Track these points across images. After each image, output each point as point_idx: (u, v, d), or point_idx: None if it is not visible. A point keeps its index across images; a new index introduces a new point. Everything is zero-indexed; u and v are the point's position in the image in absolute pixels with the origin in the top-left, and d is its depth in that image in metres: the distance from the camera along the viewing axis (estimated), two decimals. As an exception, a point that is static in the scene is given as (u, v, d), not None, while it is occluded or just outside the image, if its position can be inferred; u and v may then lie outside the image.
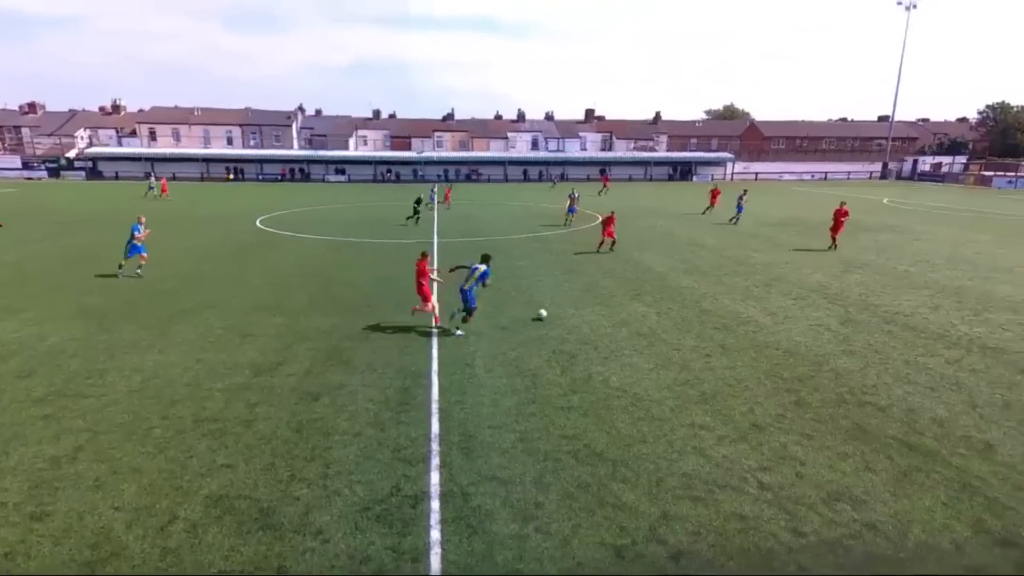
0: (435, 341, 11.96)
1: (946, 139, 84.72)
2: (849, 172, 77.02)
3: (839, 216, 23.23)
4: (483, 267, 12.26)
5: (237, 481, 7.03)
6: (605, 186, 50.81)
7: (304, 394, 9.45)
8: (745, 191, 33.59)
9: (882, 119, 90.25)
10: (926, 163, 75.81)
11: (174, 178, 63.58)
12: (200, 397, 9.27)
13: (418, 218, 30.25)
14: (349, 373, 10.29)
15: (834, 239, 23.11)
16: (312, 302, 14.94)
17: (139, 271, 17.49)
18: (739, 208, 30.95)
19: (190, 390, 9.52)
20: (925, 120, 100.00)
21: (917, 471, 7.28)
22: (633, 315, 13.84)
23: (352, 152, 75.56)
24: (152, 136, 73.91)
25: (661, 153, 79.14)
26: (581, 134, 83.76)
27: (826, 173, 76.11)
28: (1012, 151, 75.98)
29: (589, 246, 23.14)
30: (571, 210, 30.78)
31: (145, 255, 17.63)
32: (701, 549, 5.92)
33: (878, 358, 11.08)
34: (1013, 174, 62.92)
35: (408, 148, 76.95)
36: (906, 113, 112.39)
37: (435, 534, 6.14)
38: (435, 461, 7.51)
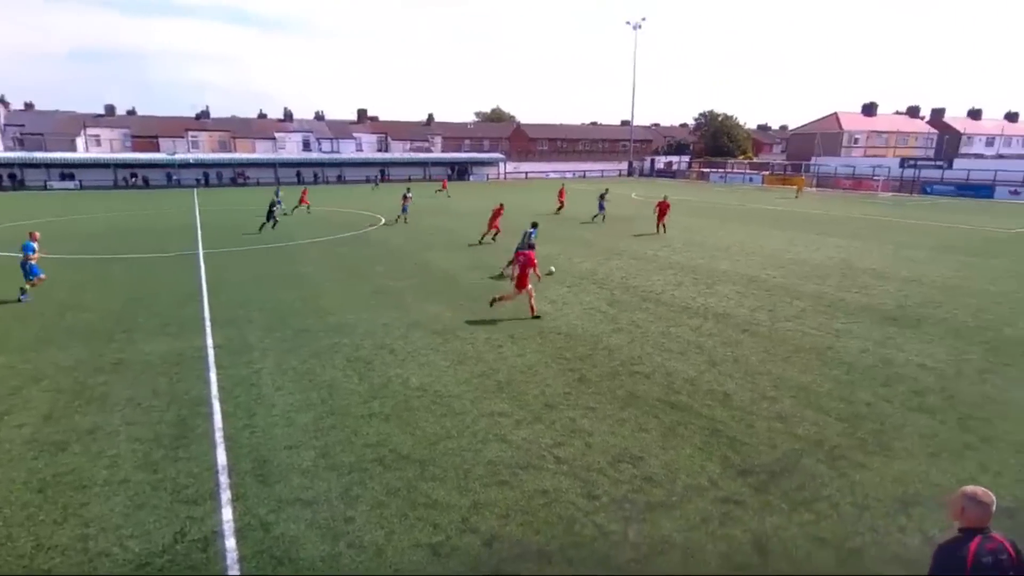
0: (212, 362, 10.78)
1: (673, 141, 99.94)
2: (603, 170, 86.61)
3: (663, 208, 27.55)
4: (533, 230, 17.40)
5: (-45, 568, 5.59)
6: (444, 188, 51.00)
7: (45, 445, 7.85)
8: (607, 189, 35.77)
9: (624, 123, 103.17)
10: (660, 162, 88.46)
11: None
12: None
13: (275, 223, 28.13)
14: (105, 412, 8.79)
15: (662, 225, 27.30)
16: (43, 334, 12.45)
17: (24, 297, 15.26)
18: (601, 207, 32.39)
19: None
20: (657, 125, 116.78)
21: (679, 425, 8.51)
22: (427, 315, 13.97)
23: (82, 154, 64.30)
24: None
25: (438, 154, 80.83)
26: (356, 135, 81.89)
27: (584, 172, 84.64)
28: (721, 151, 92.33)
29: (377, 248, 22.79)
30: (404, 209, 31.51)
31: (42, 276, 15.69)
32: (512, 530, 6.22)
33: (640, 332, 12.68)
34: (722, 170, 76.56)
35: (156, 149, 67.86)
36: (642, 118, 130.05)
37: (234, 574, 5.56)
38: (226, 495, 6.78)
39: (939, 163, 61.25)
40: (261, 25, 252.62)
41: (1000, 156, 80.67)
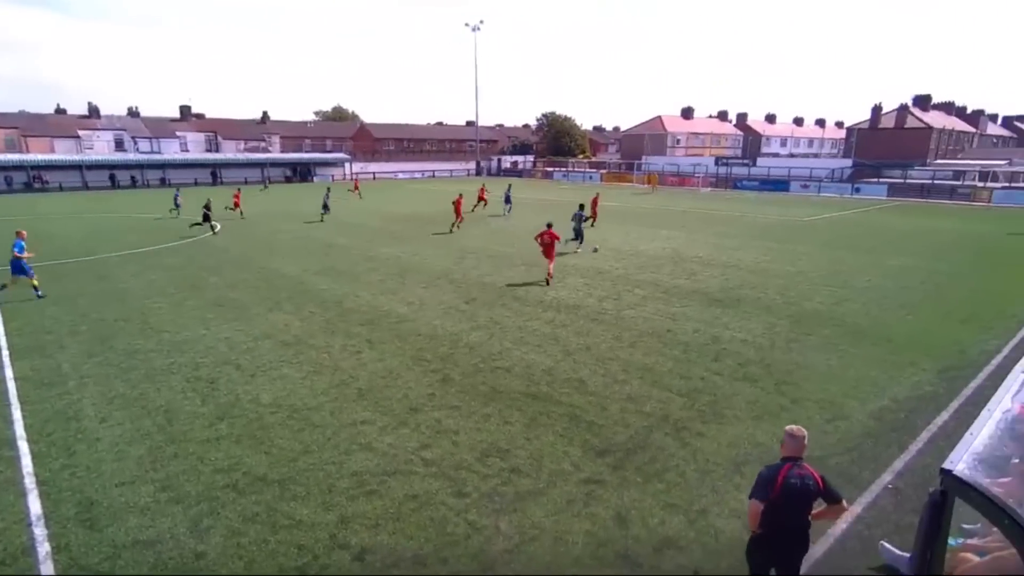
0: (14, 398, 9.27)
1: (517, 141, 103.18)
2: (452, 170, 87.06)
3: (594, 205, 29.44)
4: (581, 212, 21.74)
5: None
6: (356, 189, 49.20)
7: None
8: (509, 185, 38.08)
9: (469, 124, 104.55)
10: (507, 161, 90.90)
11: None
12: None
13: (206, 223, 27.14)
14: None
15: (593, 219, 28.84)
16: None
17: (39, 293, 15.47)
18: (508, 200, 35.07)
19: None
20: (501, 125, 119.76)
21: (540, 414, 8.83)
22: (275, 325, 13.14)
23: None
24: None
25: (277, 154, 76.11)
26: (179, 133, 74.53)
27: (433, 171, 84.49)
28: (563, 151, 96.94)
29: (215, 257, 20.96)
30: (325, 207, 32.56)
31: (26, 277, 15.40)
32: (383, 540, 6.07)
33: (499, 328, 12.97)
34: (564, 169, 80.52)
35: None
36: (487, 119, 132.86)
37: (61, 639, 4.84)
38: (44, 549, 5.88)
39: (745, 161, 69.58)
40: (58, 8, 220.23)
41: (792, 155, 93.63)
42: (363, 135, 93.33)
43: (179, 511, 6.50)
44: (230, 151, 74.20)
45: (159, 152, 68.57)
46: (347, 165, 77.41)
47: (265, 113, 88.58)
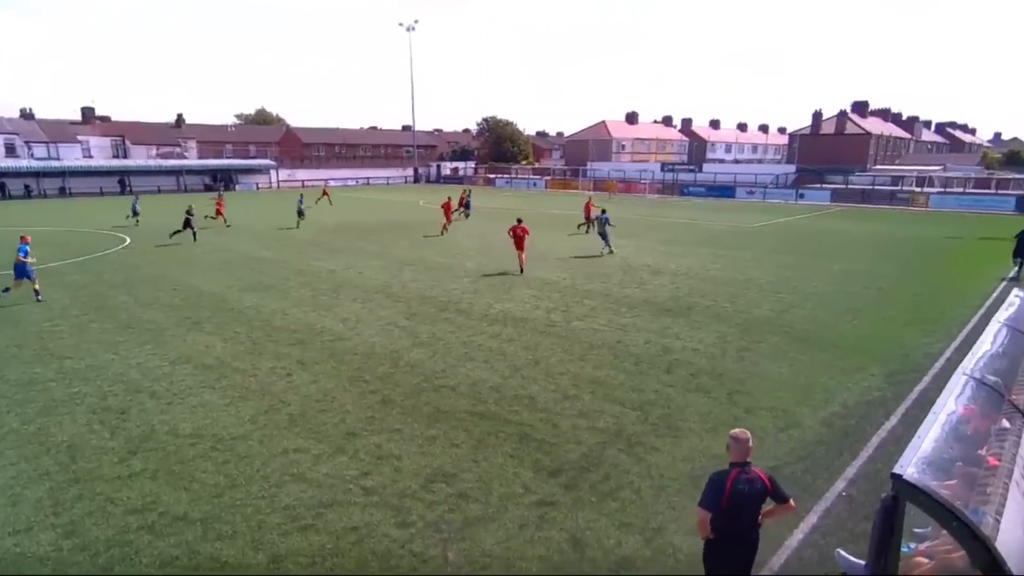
0: None
1: (458, 147, 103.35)
2: (388, 177, 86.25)
3: (587, 210, 31.91)
4: (605, 216, 24.42)
5: None
6: (325, 194, 48.83)
7: None
8: (468, 190, 41.10)
9: (406, 128, 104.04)
10: (447, 168, 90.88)
11: None
12: None
13: (187, 230, 27.62)
14: None
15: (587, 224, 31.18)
16: None
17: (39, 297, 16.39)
18: (467, 205, 37.19)
19: None
20: (439, 130, 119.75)
21: (488, 435, 8.80)
22: (195, 347, 12.62)
23: None
24: None
25: (194, 160, 73.48)
26: (81, 138, 70.95)
27: (368, 179, 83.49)
28: (505, 157, 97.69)
29: (125, 274, 19.98)
30: (300, 213, 33.36)
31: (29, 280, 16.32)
32: (320, 578, 5.88)
33: (442, 344, 12.87)
34: (508, 176, 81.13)
35: None
36: (425, 123, 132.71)
37: None
38: (-78, 612, 5.41)
39: (692, 167, 72.04)
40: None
41: (737, 161, 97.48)
42: (290, 140, 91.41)
43: (85, 559, 6.11)
44: (140, 157, 71.13)
45: (57, 158, 64.95)
46: (273, 172, 75.57)
47: (180, 116, 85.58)
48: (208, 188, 69.08)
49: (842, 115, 77.27)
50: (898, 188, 53.85)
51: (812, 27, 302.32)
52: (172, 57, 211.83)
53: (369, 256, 23.98)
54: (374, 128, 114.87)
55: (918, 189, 52.89)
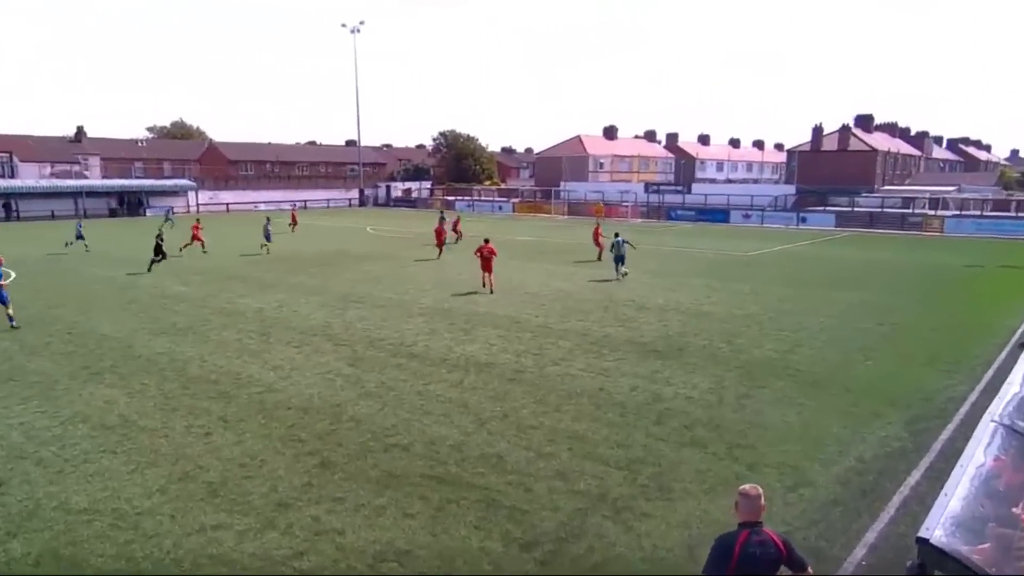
0: None
1: (411, 165, 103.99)
2: (329, 199, 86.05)
3: (596, 236, 33.20)
4: (620, 239, 26.86)
5: None
6: (294, 221, 50.10)
7: None
8: (442, 212, 46.73)
9: (350, 144, 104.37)
10: (398, 189, 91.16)
11: None
12: None
13: (161, 259, 29.05)
14: None
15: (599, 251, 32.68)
16: None
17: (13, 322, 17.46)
18: (453, 226, 39.93)
19: None
20: (389, 146, 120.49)
21: (449, 502, 8.65)
22: (92, 403, 12.23)
23: None
24: None
25: (97, 180, 72.21)
26: (-43, 154, 69.26)
27: (305, 202, 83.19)
28: (466, 176, 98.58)
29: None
30: (267, 237, 35.62)
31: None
32: None
33: (393, 395, 12.71)
34: (470, 198, 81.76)
35: None
36: (371, 139, 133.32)
37: None
38: None
39: (679, 188, 73.66)
40: None
41: (729, 181, 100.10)
42: (213, 156, 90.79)
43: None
44: (31, 176, 69.55)
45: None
46: (191, 194, 74.76)
47: (80, 129, 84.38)
48: (112, 213, 67.93)
49: (845, 130, 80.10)
50: (909, 211, 55.80)
51: (808, 34, 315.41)
52: (72, 61, 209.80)
53: (306, 292, 23.75)
54: (313, 143, 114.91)
55: (931, 212, 54.90)
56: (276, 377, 13.83)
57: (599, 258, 32.05)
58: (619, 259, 26.94)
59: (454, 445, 10.41)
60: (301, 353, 15.67)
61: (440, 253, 33.57)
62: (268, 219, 38.41)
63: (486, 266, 23.72)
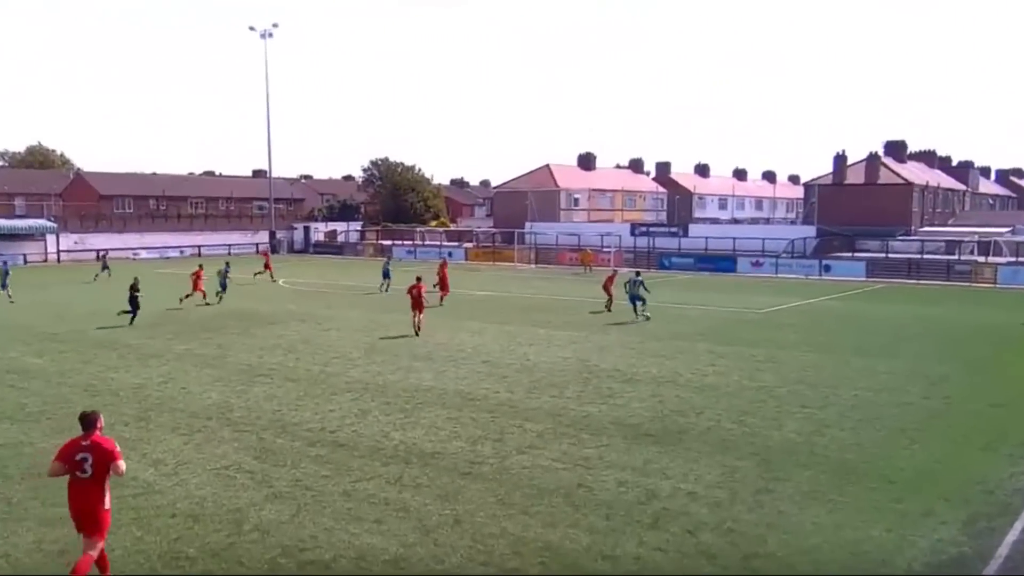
0: None
1: (336, 201, 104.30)
2: (231, 244, 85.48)
3: (610, 283, 36.02)
4: (639, 278, 32.31)
5: None
6: (267, 268, 54.69)
7: None
8: (388, 258, 51.82)
9: (258, 174, 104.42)
10: (319, 231, 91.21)
11: None
12: None
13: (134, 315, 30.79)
14: None
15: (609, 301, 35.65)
16: None
17: None
18: (386, 274, 44.27)
19: None
20: (308, 177, 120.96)
21: (384, 637, 8.37)
22: (-93, 513, 11.70)
23: None
24: None
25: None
26: None
27: (199, 247, 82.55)
28: (406, 215, 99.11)
29: None
30: (223, 286, 38.88)
31: None
32: None
33: (311, 497, 12.41)
34: (411, 242, 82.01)
35: None
36: (286, 169, 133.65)
37: None
38: None
39: (673, 229, 75.01)
40: None
41: (735, 221, 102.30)
42: (80, 190, 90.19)
43: None
44: None
45: None
46: (51, 237, 73.61)
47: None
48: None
49: (873, 159, 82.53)
50: (955, 257, 57.42)
51: (825, 43, 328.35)
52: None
53: (199, 363, 23.38)
54: (211, 174, 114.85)
55: (981, 259, 56.60)
56: (157, 475, 13.46)
57: (608, 308, 35.17)
58: (634, 298, 31.24)
59: (390, 560, 10.16)
60: (191, 443, 15.32)
61: (417, 327, 29.16)
62: (227, 264, 42.21)
63: (416, 305, 28.32)
